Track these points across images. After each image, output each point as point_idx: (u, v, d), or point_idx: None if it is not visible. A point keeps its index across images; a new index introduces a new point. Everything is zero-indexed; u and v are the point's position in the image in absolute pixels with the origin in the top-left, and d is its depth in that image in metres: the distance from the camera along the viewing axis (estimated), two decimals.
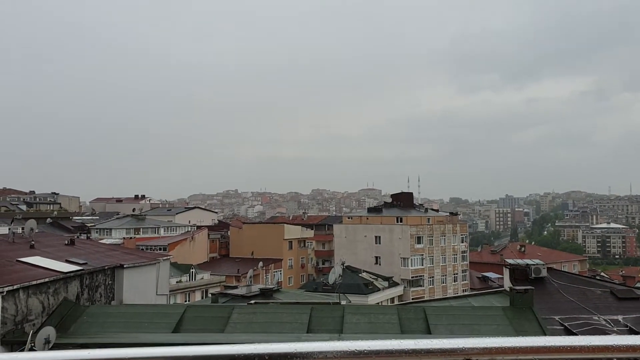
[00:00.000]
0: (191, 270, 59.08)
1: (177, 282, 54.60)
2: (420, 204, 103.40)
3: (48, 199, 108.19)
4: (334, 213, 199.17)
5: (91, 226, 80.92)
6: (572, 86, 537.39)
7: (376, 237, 76.11)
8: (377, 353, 1.30)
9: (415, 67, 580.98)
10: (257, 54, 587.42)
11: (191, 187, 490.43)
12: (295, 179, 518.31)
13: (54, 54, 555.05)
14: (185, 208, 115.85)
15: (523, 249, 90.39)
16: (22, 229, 17.97)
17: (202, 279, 60.53)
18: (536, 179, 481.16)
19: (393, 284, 67.22)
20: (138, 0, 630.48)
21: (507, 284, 20.51)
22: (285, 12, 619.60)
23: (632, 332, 15.99)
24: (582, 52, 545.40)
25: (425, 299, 60.72)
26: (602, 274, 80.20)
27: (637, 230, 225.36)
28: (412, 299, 63.14)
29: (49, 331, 10.84)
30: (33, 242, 16.55)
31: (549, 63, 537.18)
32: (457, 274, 78.22)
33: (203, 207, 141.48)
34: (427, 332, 12.21)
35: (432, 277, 74.69)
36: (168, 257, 20.84)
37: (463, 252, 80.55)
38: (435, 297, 59.93)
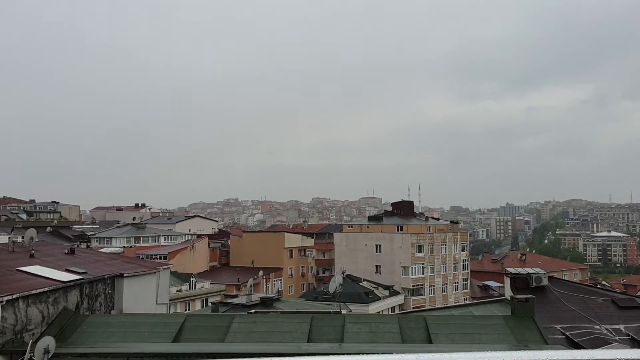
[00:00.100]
0: (191, 279, 58.99)
1: (177, 291, 54.49)
2: (421, 213, 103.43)
3: (48, 208, 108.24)
4: (335, 221, 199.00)
5: (91, 235, 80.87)
6: (572, 94, 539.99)
7: (377, 245, 75.94)
8: None
9: (416, 75, 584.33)
10: (257, 62, 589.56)
11: (191, 196, 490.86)
12: (296, 188, 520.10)
13: (54, 64, 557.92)
14: (186, 217, 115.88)
15: (524, 257, 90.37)
16: (22, 237, 17.91)
17: (202, 288, 60.41)
18: (537, 187, 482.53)
19: (394, 292, 67.02)
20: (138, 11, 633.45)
21: (508, 292, 20.44)
22: (286, 23, 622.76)
23: (634, 341, 15.92)
24: (581, 61, 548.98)
25: (426, 308, 60.54)
26: (603, 282, 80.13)
27: (638, 239, 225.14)
28: (413, 308, 62.97)
29: (49, 341, 10.80)
30: (33, 251, 16.50)
31: (549, 71, 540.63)
32: (457, 282, 78.00)
33: (203, 215, 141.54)
34: (428, 341, 12.14)
35: (433, 285, 74.49)
36: (168, 266, 20.76)
37: (464, 260, 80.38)
38: (436, 306, 59.81)
